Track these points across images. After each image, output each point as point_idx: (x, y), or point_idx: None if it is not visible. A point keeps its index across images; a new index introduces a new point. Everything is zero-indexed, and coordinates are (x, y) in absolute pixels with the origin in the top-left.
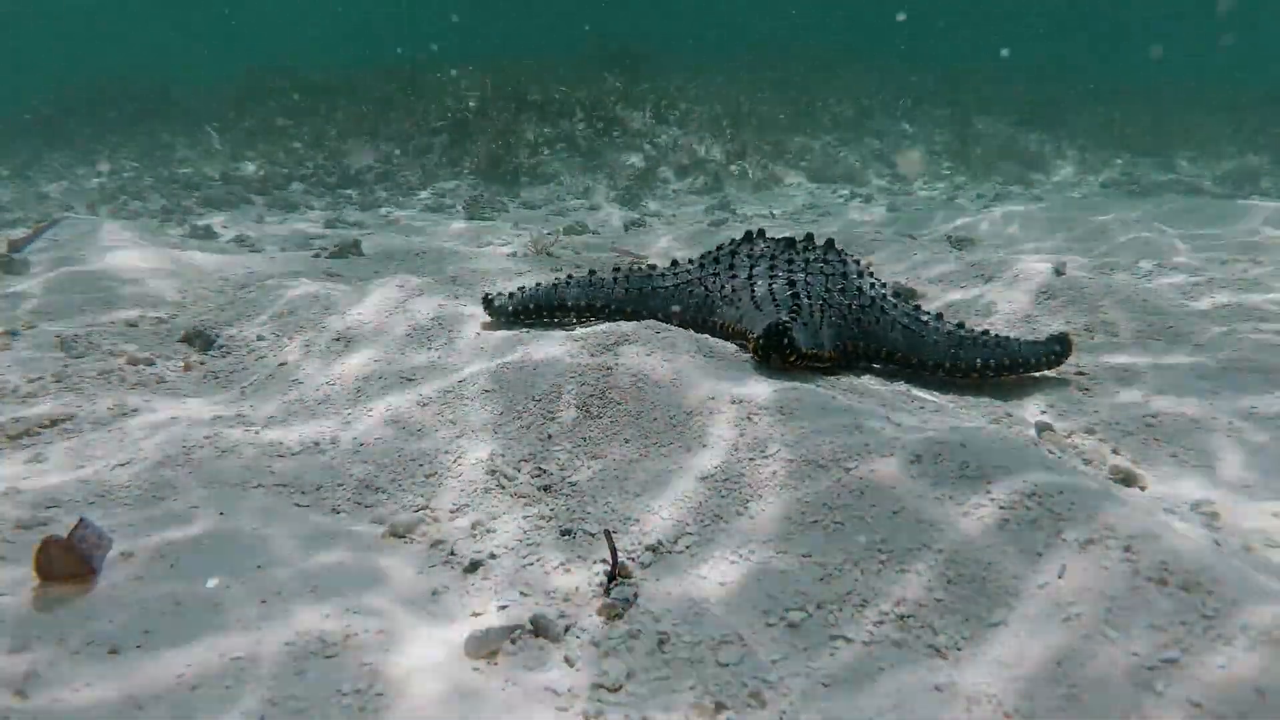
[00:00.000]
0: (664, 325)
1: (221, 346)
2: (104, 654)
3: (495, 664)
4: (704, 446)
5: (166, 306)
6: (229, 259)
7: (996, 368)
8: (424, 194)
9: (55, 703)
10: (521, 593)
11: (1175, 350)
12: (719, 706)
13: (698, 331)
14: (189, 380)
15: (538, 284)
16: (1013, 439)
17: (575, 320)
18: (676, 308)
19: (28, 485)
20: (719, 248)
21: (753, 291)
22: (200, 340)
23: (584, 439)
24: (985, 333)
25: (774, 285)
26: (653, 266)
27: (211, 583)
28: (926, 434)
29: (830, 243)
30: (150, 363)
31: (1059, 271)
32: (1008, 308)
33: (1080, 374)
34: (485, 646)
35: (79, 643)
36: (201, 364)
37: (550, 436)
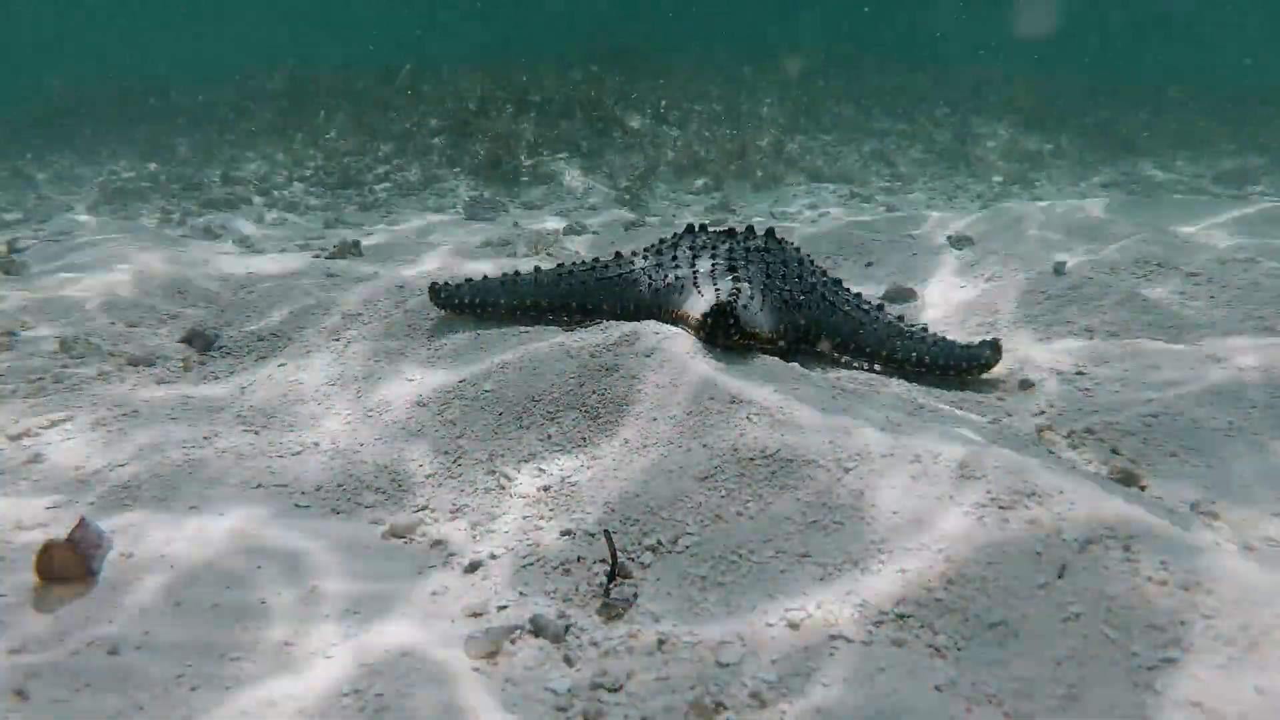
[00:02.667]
0: (664, 326)
1: (221, 347)
2: (104, 654)
3: (495, 664)
4: (703, 446)
5: (166, 307)
6: (229, 259)
7: (930, 364)
8: (424, 194)
9: (55, 703)
10: (521, 593)
11: (1175, 348)
12: (719, 706)
13: (642, 319)
14: (189, 380)
15: (485, 276)
16: (1011, 439)
17: (521, 315)
18: (622, 298)
19: (28, 485)
20: (662, 240)
21: (695, 278)
22: (200, 340)
23: (584, 439)
24: (925, 328)
25: (715, 271)
26: (596, 259)
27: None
28: (927, 435)
29: (770, 232)
30: (150, 363)
31: (1059, 271)
32: (1007, 307)
33: (1080, 374)
34: (485, 646)
35: (79, 643)
36: (202, 364)
37: (550, 437)
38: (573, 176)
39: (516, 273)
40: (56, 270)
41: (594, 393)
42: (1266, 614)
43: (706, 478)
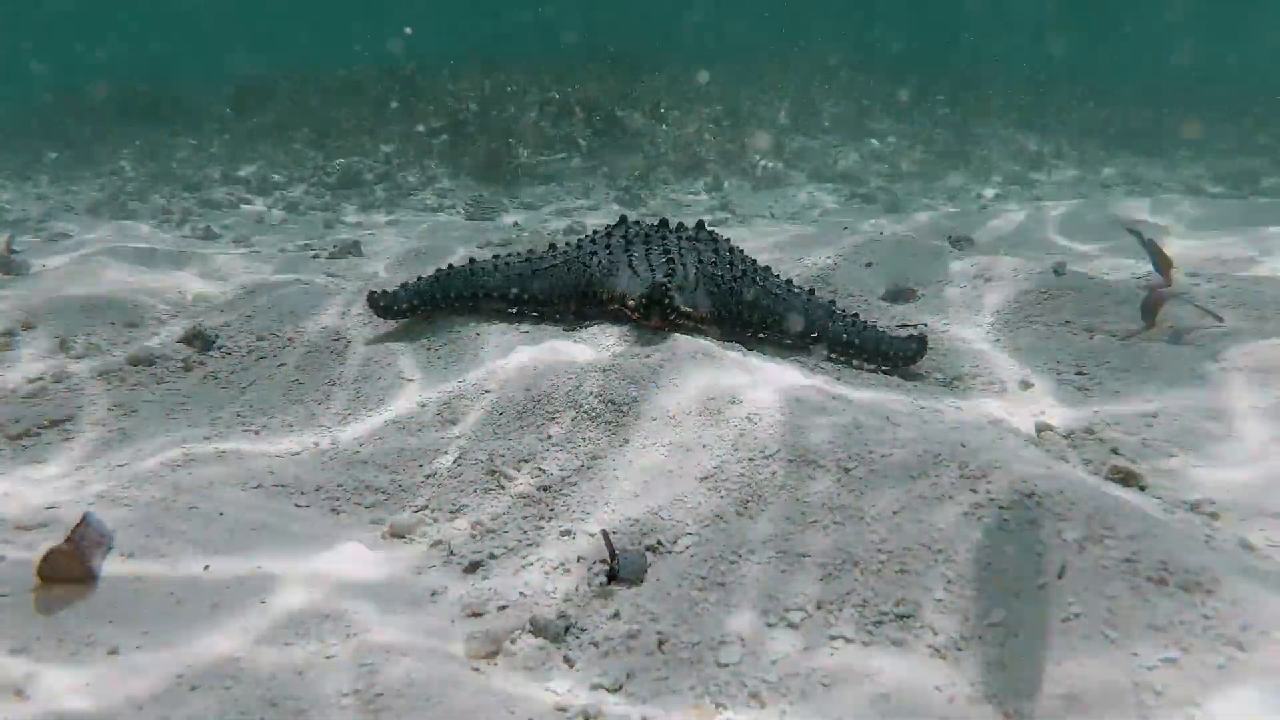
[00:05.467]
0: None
1: (221, 347)
2: (104, 654)
3: (495, 664)
4: (703, 447)
5: (166, 307)
6: (229, 259)
7: (859, 348)
8: (424, 194)
9: (55, 704)
10: (521, 593)
11: (1175, 348)
12: (719, 706)
13: (579, 305)
14: (189, 381)
15: (419, 277)
16: (1011, 439)
17: (461, 308)
18: (559, 286)
19: (27, 486)
20: (595, 231)
21: (630, 263)
22: (200, 341)
23: (583, 439)
24: (856, 315)
25: (650, 256)
26: (531, 251)
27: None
28: (926, 435)
29: (701, 224)
30: (150, 363)
31: (1059, 271)
32: (1006, 308)
33: (1080, 374)
34: (485, 646)
35: (79, 643)
36: (201, 364)
37: (550, 436)
38: (572, 176)
39: (450, 267)
40: (56, 270)
41: (593, 393)
42: (1266, 614)
43: (706, 477)
